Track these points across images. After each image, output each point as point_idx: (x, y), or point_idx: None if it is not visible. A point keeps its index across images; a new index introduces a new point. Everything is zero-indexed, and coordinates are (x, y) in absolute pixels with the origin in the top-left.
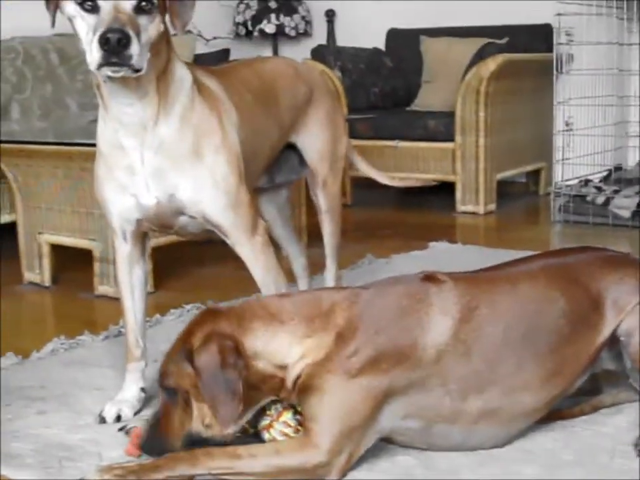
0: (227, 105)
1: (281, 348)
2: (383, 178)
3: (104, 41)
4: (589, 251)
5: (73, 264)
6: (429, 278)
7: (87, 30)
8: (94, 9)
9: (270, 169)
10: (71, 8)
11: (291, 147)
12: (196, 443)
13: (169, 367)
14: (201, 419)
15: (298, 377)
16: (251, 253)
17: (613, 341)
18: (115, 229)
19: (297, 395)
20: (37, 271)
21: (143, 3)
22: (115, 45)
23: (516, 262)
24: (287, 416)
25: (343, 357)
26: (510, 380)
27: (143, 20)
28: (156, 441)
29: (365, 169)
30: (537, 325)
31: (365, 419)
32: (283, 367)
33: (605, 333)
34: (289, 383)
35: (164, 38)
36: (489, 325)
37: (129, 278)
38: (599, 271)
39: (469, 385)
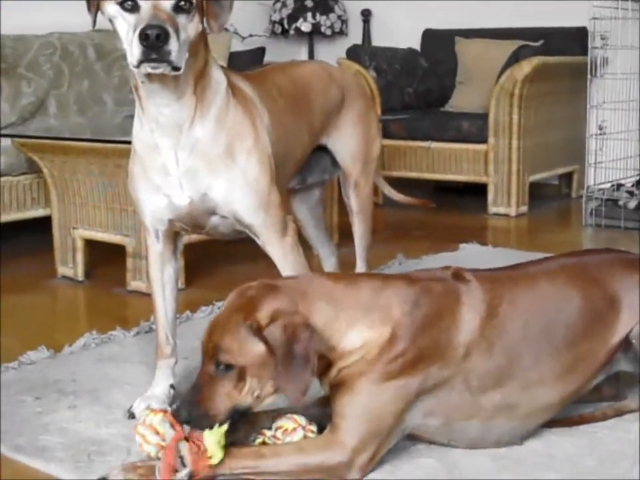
0: (259, 108)
1: (339, 331)
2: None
3: (143, 37)
4: (609, 253)
5: (106, 259)
6: (456, 275)
7: (127, 29)
8: (134, 9)
9: (301, 170)
10: (111, 8)
11: (323, 148)
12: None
13: (226, 342)
14: (251, 392)
15: (345, 367)
16: (281, 253)
17: (628, 343)
18: (147, 227)
19: (330, 386)
20: (71, 265)
21: (182, 3)
22: (154, 41)
23: (536, 261)
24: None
25: (387, 360)
26: (527, 375)
27: (181, 19)
28: (198, 413)
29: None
30: (554, 322)
31: (394, 419)
32: (335, 350)
33: (621, 333)
34: (336, 369)
35: (202, 39)
36: (509, 322)
37: (160, 276)
38: (618, 272)
39: (489, 380)
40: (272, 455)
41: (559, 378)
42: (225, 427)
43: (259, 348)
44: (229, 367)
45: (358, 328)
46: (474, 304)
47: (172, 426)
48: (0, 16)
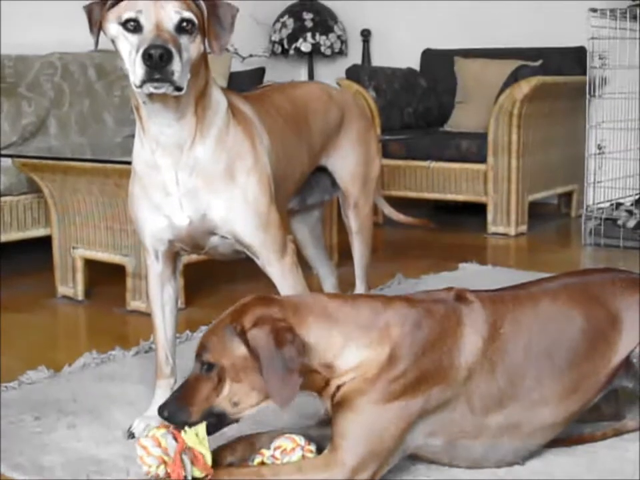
0: (259, 129)
1: (334, 348)
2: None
3: (147, 57)
4: (610, 272)
5: (106, 279)
6: (459, 296)
7: (129, 49)
8: (136, 29)
9: (301, 191)
10: (114, 29)
11: (323, 169)
12: (211, 419)
13: (212, 341)
14: (229, 398)
15: (343, 384)
16: (280, 273)
17: (629, 363)
18: (147, 248)
19: (331, 405)
20: (71, 285)
21: (184, 23)
22: (157, 61)
23: (538, 281)
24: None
25: (388, 380)
26: (530, 395)
27: (184, 39)
28: (176, 408)
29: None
30: (557, 342)
31: (395, 440)
32: (331, 367)
33: (622, 352)
34: (334, 386)
35: (203, 60)
36: (511, 343)
37: (159, 296)
38: (619, 292)
39: (492, 401)
40: (271, 475)
41: (561, 398)
42: (203, 427)
43: (240, 350)
44: (210, 366)
45: (354, 345)
46: (476, 325)
47: (175, 439)
48: (0, 35)
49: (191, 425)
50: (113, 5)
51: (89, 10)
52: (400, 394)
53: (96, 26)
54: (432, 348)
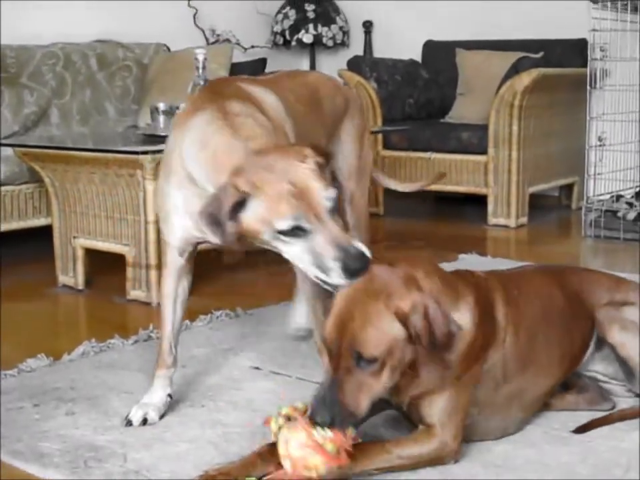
0: (286, 120)
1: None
2: (397, 186)
3: (350, 274)
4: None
5: (106, 268)
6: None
7: (300, 253)
8: (299, 234)
9: None
10: (265, 234)
11: None
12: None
13: (372, 333)
14: (388, 382)
15: None
16: None
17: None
18: (173, 245)
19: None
20: (71, 274)
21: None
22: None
23: (516, 268)
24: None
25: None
26: (539, 360)
27: None
28: (341, 413)
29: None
30: (551, 315)
31: (468, 403)
32: None
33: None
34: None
35: None
36: (524, 309)
37: (174, 288)
38: (584, 275)
39: (515, 368)
40: (397, 449)
41: (558, 363)
42: None
43: (400, 335)
44: (373, 359)
45: (460, 313)
46: (499, 292)
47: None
48: (1, 26)
49: (360, 423)
50: (239, 206)
51: (210, 220)
52: (473, 362)
53: (229, 237)
54: (484, 314)
